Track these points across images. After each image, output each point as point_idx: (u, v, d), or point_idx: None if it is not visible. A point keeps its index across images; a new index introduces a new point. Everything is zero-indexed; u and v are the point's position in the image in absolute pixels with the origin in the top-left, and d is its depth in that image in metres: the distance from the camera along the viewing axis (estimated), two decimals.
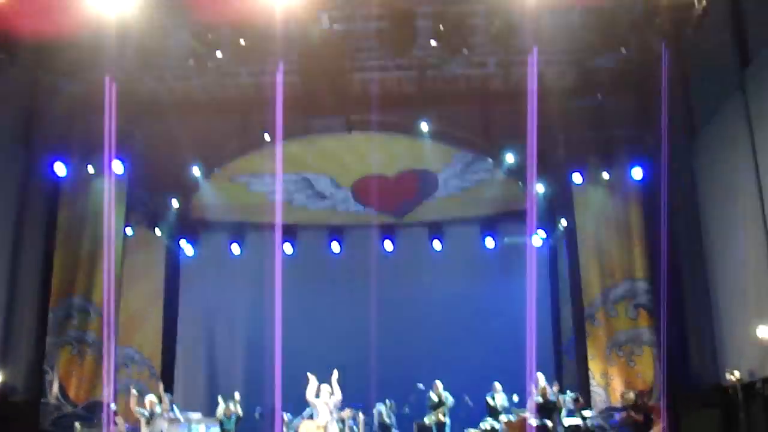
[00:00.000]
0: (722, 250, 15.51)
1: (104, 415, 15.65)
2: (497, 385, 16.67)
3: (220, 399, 17.12)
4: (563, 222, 18.84)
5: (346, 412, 16.53)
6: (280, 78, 15.08)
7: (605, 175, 17.70)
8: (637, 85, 17.80)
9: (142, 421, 15.59)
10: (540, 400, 15.23)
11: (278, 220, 17.08)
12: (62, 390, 17.07)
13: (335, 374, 15.48)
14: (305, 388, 16.22)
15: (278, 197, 18.36)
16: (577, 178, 17.79)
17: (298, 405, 16.74)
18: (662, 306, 15.60)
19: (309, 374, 15.41)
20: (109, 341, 16.73)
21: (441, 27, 15.50)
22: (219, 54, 15.67)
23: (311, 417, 16.07)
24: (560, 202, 18.72)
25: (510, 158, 18.63)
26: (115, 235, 17.68)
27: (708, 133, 16.00)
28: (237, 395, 17.11)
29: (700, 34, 15.77)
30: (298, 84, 17.09)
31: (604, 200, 17.81)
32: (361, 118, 17.77)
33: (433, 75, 17.97)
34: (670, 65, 16.91)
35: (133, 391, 16.03)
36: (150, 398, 16.02)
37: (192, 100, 19.05)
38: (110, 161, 15.95)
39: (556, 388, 16.08)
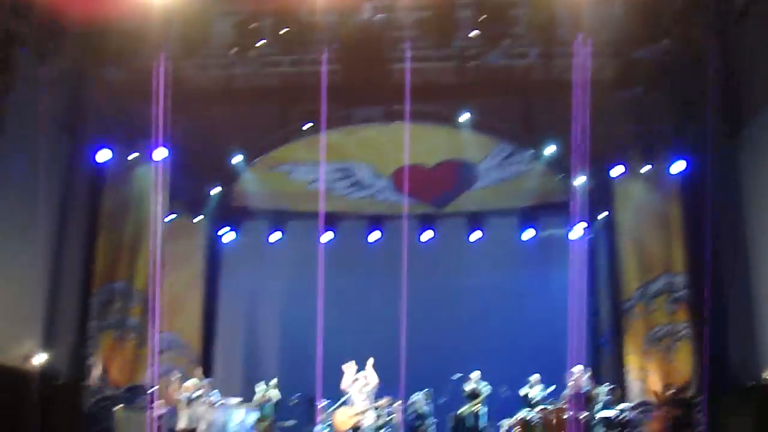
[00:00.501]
0: (764, 246, 15.34)
1: (151, 397, 15.85)
2: (534, 378, 16.66)
3: (259, 386, 17.28)
4: (603, 215, 18.75)
5: (384, 401, 16.63)
6: (324, 67, 15.19)
7: (646, 169, 17.57)
8: (680, 77, 17.63)
9: (182, 404, 15.83)
10: (574, 391, 15.21)
11: (321, 208, 17.23)
12: (104, 373, 17.34)
13: (370, 362, 15.58)
14: (342, 376, 16.40)
15: (321, 186, 18.47)
16: (617, 171, 17.69)
17: (335, 392, 16.88)
18: (704, 301, 15.52)
19: (345, 365, 15.57)
20: (152, 326, 17.00)
21: (482, 17, 15.51)
22: (261, 43, 15.81)
23: (346, 404, 16.22)
24: (600, 195, 18.62)
25: (550, 150, 18.58)
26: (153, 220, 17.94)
27: (752, 129, 15.78)
28: (274, 381, 17.27)
29: (745, 25, 15.59)
30: (339, 73, 17.16)
31: (644, 194, 17.68)
32: (401, 108, 17.79)
33: (474, 66, 17.93)
34: (714, 58, 16.75)
35: (176, 376, 16.29)
36: (190, 383, 16.27)
37: (234, 89, 19.18)
38: (158, 145, 16.12)
39: (589, 377, 16.00)
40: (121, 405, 16.67)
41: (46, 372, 16.15)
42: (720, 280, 16.79)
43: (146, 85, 15.37)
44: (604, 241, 18.71)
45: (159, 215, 17.15)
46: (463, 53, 17.21)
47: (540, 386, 16.56)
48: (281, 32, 15.77)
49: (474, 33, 15.83)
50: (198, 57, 16.96)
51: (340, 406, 16.52)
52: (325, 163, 20.26)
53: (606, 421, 15.28)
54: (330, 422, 16.55)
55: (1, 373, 14.85)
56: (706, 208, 17.00)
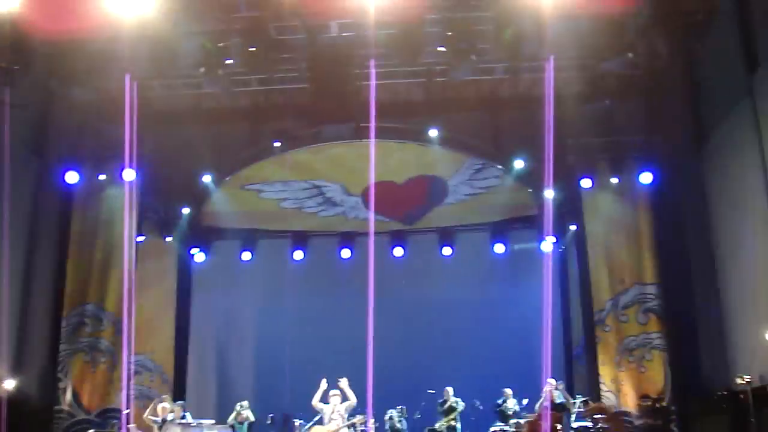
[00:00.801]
0: (732, 255, 15.53)
1: (123, 420, 15.69)
2: (508, 391, 16.73)
3: (238, 406, 17.18)
4: (573, 227, 18.89)
5: (358, 418, 16.57)
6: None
7: (614, 181, 17.74)
8: (646, 91, 17.86)
9: (155, 428, 15.67)
10: (548, 403, 15.25)
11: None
12: (76, 397, 17.19)
13: (345, 381, 15.56)
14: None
15: None
16: (586, 183, 17.82)
17: (309, 410, 16.81)
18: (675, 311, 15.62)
19: (323, 381, 15.52)
20: (126, 348, 16.89)
21: (448, 33, 15.61)
22: (229, 62, 15.81)
23: (321, 422, 16.13)
24: (570, 208, 18.76)
25: (519, 164, 18.69)
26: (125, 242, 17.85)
27: (717, 139, 16.03)
28: (245, 403, 17.18)
29: (708, 40, 15.83)
30: (307, 92, 17.21)
31: (614, 205, 17.85)
32: (370, 125, 17.85)
33: (442, 82, 18.06)
34: (678, 71, 16.98)
35: (161, 400, 16.21)
36: (162, 405, 16.12)
37: (203, 109, 19.21)
38: (130, 165, 16.04)
39: (562, 387, 16.06)
40: (93, 429, 16.47)
41: (16, 396, 15.98)
42: (690, 290, 16.99)
43: (114, 105, 15.31)
44: (575, 253, 18.82)
45: (130, 236, 17.08)
46: (430, 69, 17.33)
47: (514, 399, 16.62)
48: (248, 50, 15.76)
49: (441, 49, 15.92)
50: (166, 77, 16.93)
51: (314, 424, 16.44)
52: (293, 182, 20.34)
53: (579, 430, 15.31)
54: None
55: None
56: (675, 219, 17.23)
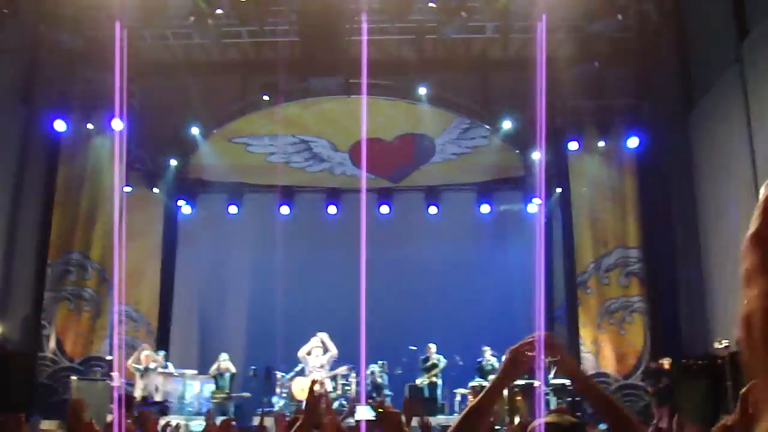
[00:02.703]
0: (715, 221, 15.66)
1: (114, 365, 15.78)
2: (486, 349, 16.90)
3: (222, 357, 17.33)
4: (558, 190, 18.97)
5: (342, 369, 16.78)
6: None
7: (601, 144, 17.79)
8: (636, 54, 17.88)
9: (137, 375, 15.83)
10: None
11: None
12: (59, 344, 17.25)
13: (324, 334, 15.75)
14: (299, 347, 16.55)
15: None
16: (573, 146, 17.85)
17: (291, 363, 17.00)
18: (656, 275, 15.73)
19: (317, 336, 15.78)
20: (113, 298, 17.02)
21: None
22: (219, 12, 15.76)
23: (303, 373, 16.33)
24: (556, 170, 18.82)
25: (507, 125, 18.73)
26: (114, 192, 17.87)
27: (705, 105, 16.09)
28: (225, 355, 17.33)
29: (698, 4, 15.84)
30: (297, 45, 17.17)
31: (600, 169, 17.91)
32: (359, 81, 17.82)
33: (433, 40, 18.04)
34: (667, 35, 16.99)
35: (143, 348, 16.36)
36: (146, 354, 16.28)
37: (192, 60, 19.13)
38: (119, 115, 15.96)
39: None
40: (76, 377, 16.61)
41: (0, 342, 16.09)
42: (672, 254, 17.14)
43: (104, 53, 15.23)
44: (560, 215, 18.92)
45: (118, 186, 17.12)
46: (421, 26, 17.29)
47: (493, 357, 16.81)
48: (240, 1, 15.70)
49: (431, 5, 15.89)
50: (157, 27, 16.86)
51: (296, 375, 16.64)
52: (281, 136, 20.31)
53: (559, 388, 15.48)
54: (286, 392, 16.66)
55: None
56: (660, 184, 17.33)
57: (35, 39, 17.08)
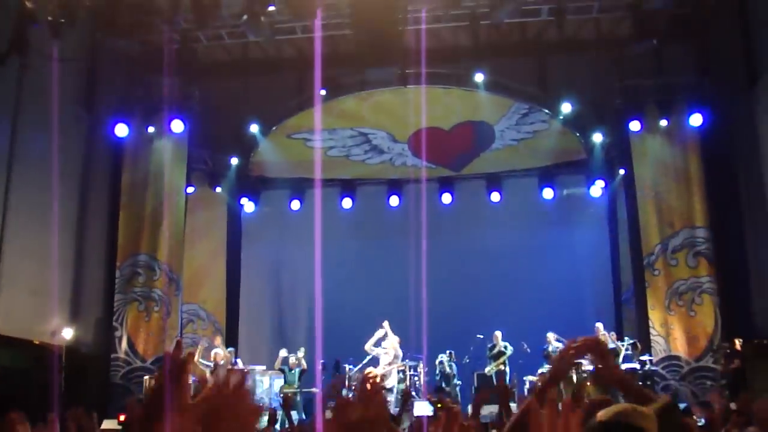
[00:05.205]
0: None
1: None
2: (550, 335, 16.67)
3: (283, 352, 17.42)
4: (621, 171, 18.67)
5: (400, 365, 16.81)
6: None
7: (663, 123, 17.44)
8: (695, 30, 17.50)
9: (206, 372, 16.03)
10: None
11: None
12: (131, 345, 17.57)
13: (386, 323, 15.81)
14: (367, 339, 16.60)
15: None
16: (634, 126, 17.52)
17: (359, 356, 17.04)
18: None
19: (385, 324, 15.82)
20: (179, 297, 17.31)
21: None
22: (271, 9, 15.82)
23: (371, 366, 16.37)
24: (618, 152, 18.54)
25: (566, 108, 18.51)
26: (177, 193, 18.13)
27: None
28: (302, 350, 17.40)
29: None
30: (351, 38, 17.17)
31: (663, 148, 17.56)
32: (415, 71, 17.74)
33: (487, 26, 17.87)
34: (728, 8, 16.58)
35: (203, 344, 16.53)
36: (215, 351, 16.49)
37: (248, 58, 19.30)
38: (179, 116, 16.00)
39: (614, 337, 16.15)
40: (149, 376, 16.88)
41: (74, 346, 16.43)
42: (741, 233, 16.76)
43: (160, 57, 15.46)
44: (624, 198, 18.63)
45: (180, 187, 17.36)
46: (474, 12, 17.14)
47: (558, 343, 16.62)
48: None
49: None
50: (211, 27, 17.00)
51: (364, 367, 16.68)
52: (339, 130, 20.37)
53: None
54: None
55: (31, 348, 15.13)
56: (726, 161, 16.95)
57: (94, 47, 17.35)
